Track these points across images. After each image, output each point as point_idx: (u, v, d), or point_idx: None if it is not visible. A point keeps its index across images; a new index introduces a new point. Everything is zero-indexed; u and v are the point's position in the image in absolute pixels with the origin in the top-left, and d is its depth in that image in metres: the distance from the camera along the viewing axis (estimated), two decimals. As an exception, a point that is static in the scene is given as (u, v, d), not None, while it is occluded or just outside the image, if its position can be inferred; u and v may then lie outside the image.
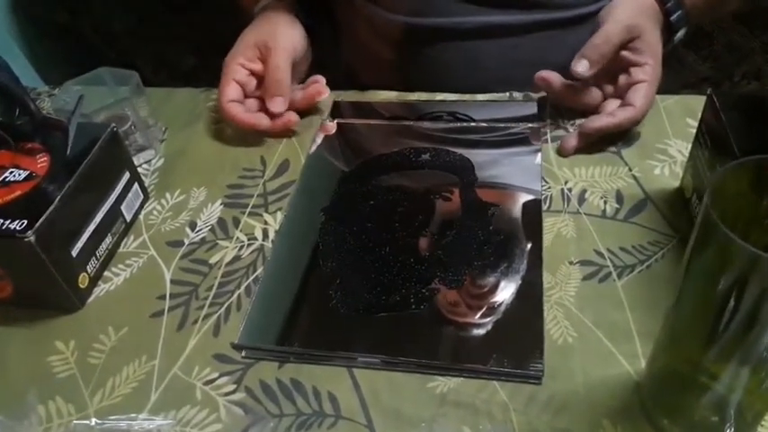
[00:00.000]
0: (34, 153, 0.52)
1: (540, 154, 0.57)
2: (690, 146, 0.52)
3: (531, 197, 0.54)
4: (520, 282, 0.47)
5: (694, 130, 0.51)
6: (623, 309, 0.45)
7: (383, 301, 0.47)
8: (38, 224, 0.45)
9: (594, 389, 0.41)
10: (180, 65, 1.43)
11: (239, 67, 0.63)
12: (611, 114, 0.57)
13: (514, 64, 0.68)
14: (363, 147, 0.62)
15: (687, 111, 0.60)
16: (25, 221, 0.45)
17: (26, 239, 0.45)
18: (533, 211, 0.52)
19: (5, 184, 0.49)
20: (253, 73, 0.64)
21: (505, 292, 0.46)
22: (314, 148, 0.62)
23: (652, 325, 0.42)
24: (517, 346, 0.43)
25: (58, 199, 0.47)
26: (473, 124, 0.62)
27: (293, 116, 0.63)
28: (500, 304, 0.46)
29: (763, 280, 0.28)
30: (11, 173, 0.50)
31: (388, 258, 0.50)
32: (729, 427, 0.37)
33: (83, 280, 0.50)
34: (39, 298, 0.50)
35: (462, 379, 0.42)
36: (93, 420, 0.41)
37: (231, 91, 0.63)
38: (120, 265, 0.53)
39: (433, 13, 0.67)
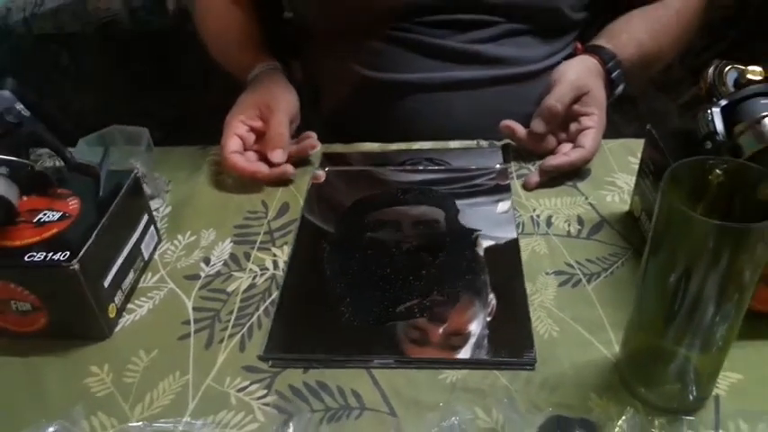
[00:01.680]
0: (64, 197, 0.57)
1: (510, 201, 0.65)
2: (634, 177, 0.62)
3: (507, 225, 0.62)
4: (507, 290, 0.55)
5: (635, 166, 0.62)
6: (595, 306, 0.53)
7: (390, 312, 0.54)
8: (80, 254, 0.50)
9: (580, 370, 0.48)
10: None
11: (240, 123, 0.71)
12: (566, 154, 0.67)
13: (479, 113, 0.78)
14: (352, 191, 0.70)
15: (627, 151, 0.72)
16: (68, 253, 0.50)
17: (71, 268, 0.49)
18: (510, 234, 0.61)
19: (41, 224, 0.54)
20: (252, 129, 0.72)
21: (496, 298, 0.54)
22: (309, 193, 0.69)
23: (620, 317, 0.51)
24: (511, 340, 0.50)
25: (94, 234, 0.52)
26: (448, 175, 0.70)
27: (290, 168, 0.70)
28: (493, 309, 0.53)
29: (715, 245, 0.37)
30: (44, 214, 0.55)
31: (390, 278, 0.57)
32: (691, 391, 0.45)
33: (112, 310, 0.55)
34: (71, 327, 0.54)
35: (467, 371, 0.49)
36: (142, 423, 0.45)
37: (233, 144, 0.70)
38: (143, 298, 0.58)
39: (406, 70, 0.79)
